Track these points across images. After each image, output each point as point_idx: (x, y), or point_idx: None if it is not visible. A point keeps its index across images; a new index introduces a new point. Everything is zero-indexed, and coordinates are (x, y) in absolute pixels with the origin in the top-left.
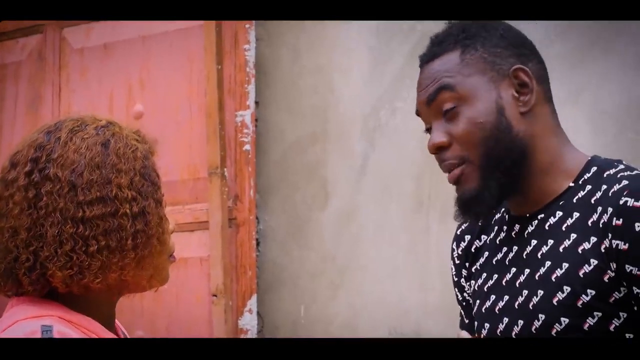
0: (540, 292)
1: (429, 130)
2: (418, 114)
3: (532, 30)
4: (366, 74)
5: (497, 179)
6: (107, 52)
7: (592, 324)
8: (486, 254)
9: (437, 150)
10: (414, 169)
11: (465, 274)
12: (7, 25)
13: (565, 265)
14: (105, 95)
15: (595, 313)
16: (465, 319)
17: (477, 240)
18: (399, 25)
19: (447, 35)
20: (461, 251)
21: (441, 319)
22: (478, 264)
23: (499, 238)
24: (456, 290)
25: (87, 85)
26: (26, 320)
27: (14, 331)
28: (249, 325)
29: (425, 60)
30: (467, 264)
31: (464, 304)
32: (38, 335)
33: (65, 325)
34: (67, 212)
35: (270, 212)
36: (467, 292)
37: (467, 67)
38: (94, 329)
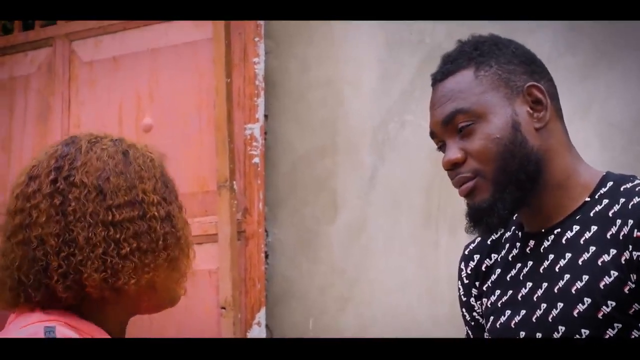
0: (560, 305)
1: (441, 148)
2: (432, 134)
3: (541, 43)
4: (375, 87)
5: (511, 192)
6: (117, 65)
7: (612, 335)
8: (498, 271)
9: (453, 166)
10: (423, 182)
11: (476, 293)
12: (16, 38)
13: (586, 277)
14: (114, 107)
15: (615, 324)
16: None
17: (487, 259)
18: (408, 38)
19: (460, 53)
20: (470, 270)
21: (451, 331)
22: (489, 281)
23: (512, 255)
24: (464, 310)
25: (97, 98)
26: (31, 325)
27: (18, 335)
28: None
29: (439, 78)
30: (477, 283)
31: (473, 323)
32: (41, 336)
33: (70, 329)
34: (97, 216)
35: (279, 225)
36: (477, 311)
37: (481, 84)
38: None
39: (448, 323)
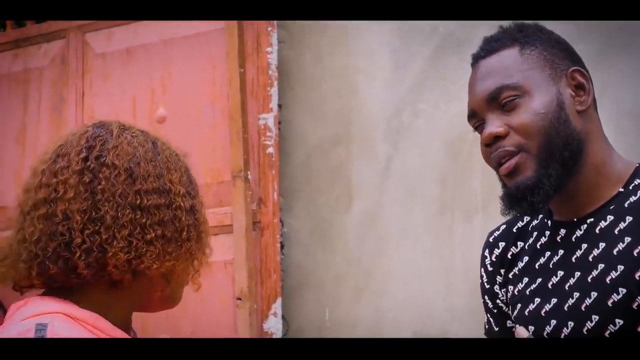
0: (594, 294)
1: (477, 129)
2: (472, 114)
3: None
4: (389, 76)
5: (555, 169)
6: (130, 57)
7: None
8: (525, 258)
9: (493, 139)
10: (438, 171)
11: (500, 281)
12: (30, 31)
13: (621, 267)
14: (127, 99)
15: None
16: (494, 327)
17: (513, 247)
18: (420, 27)
19: (504, 33)
20: (495, 258)
21: (467, 321)
22: (516, 269)
23: (540, 243)
24: (486, 297)
25: (110, 90)
26: (27, 320)
27: (17, 327)
28: (273, 329)
29: (482, 55)
30: (502, 271)
31: (495, 311)
32: (31, 335)
33: (68, 322)
34: (125, 198)
35: (294, 215)
36: (501, 298)
37: (527, 62)
38: (103, 328)
39: (464, 313)
